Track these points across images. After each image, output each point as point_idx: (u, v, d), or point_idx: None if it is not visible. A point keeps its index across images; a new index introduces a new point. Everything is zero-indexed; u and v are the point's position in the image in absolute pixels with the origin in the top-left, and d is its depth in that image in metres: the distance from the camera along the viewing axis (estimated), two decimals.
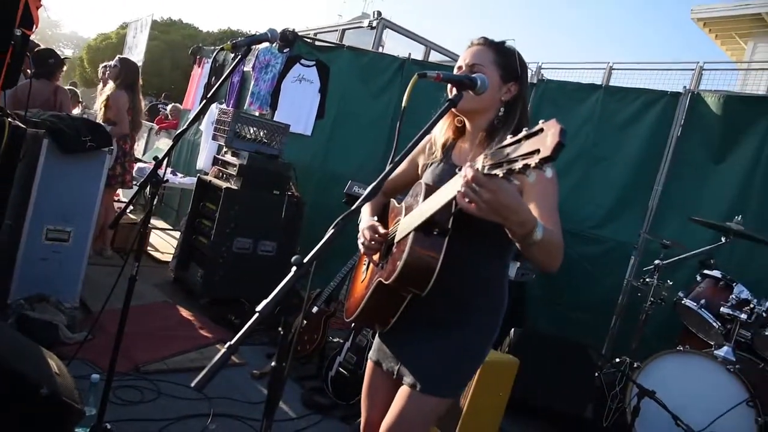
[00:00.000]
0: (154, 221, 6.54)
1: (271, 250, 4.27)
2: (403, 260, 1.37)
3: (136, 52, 8.83)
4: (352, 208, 1.19)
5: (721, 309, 2.96)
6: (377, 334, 1.73)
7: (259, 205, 4.14)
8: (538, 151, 0.92)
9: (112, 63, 4.78)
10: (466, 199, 1.11)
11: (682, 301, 3.16)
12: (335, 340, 3.85)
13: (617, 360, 3.53)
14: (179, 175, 5.61)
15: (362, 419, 1.75)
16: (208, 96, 1.88)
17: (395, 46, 6.37)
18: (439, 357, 1.52)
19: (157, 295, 4.15)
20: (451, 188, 1.19)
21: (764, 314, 2.89)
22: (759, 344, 2.94)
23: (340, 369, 3.05)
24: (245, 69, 6.09)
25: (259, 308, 1.06)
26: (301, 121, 5.35)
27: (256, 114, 5.22)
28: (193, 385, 1.02)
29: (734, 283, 3.05)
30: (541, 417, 3.21)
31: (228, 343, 1.04)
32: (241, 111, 4.33)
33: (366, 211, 1.74)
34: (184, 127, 1.93)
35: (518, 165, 0.96)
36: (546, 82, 5.01)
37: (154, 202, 2.09)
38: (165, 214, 6.91)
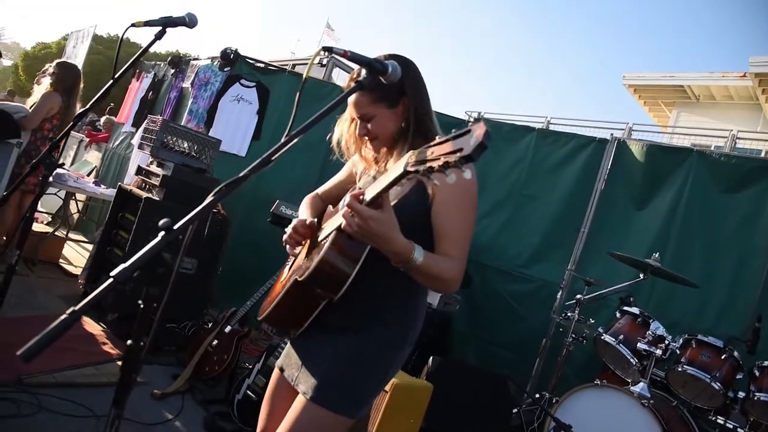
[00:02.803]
0: (72, 235, 6.16)
1: (191, 267, 4.04)
2: (319, 258, 1.28)
3: (75, 62, 8.49)
4: (241, 174, 1.09)
5: (638, 345, 2.98)
6: (290, 341, 1.61)
7: (181, 218, 3.92)
8: (461, 149, 0.93)
9: (50, 67, 4.51)
10: (344, 223, 1.20)
11: (602, 336, 3.17)
12: (248, 366, 3.64)
13: (537, 395, 3.48)
14: (102, 186, 5.31)
15: (258, 428, 1.60)
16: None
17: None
18: (333, 364, 1.41)
19: (61, 307, 3.81)
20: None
21: (678, 351, 2.92)
22: (672, 380, 2.95)
23: (248, 392, 2.85)
24: (184, 85, 5.93)
25: (114, 273, 0.93)
26: (236, 141, 5.21)
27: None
28: (20, 352, 0.88)
29: (651, 320, 3.08)
30: None
31: (71, 308, 0.90)
32: (171, 121, 4.16)
33: (303, 210, 1.69)
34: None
35: (438, 162, 0.96)
36: (482, 121, 5.11)
37: (44, 188, 1.91)
38: (86, 229, 6.51)
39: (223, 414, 2.91)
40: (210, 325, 3.53)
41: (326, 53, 1.30)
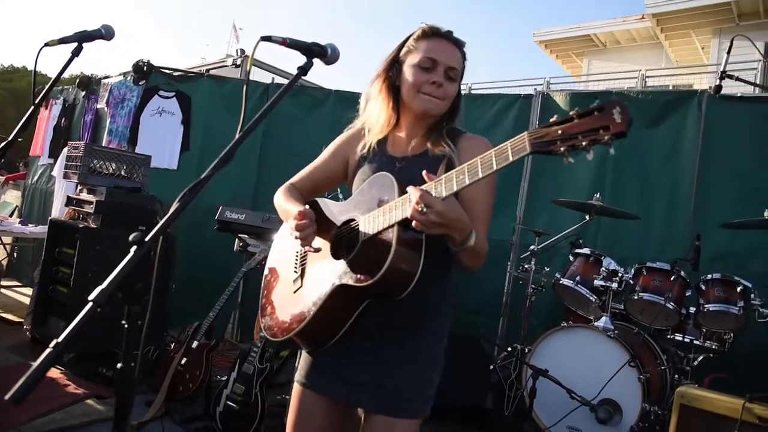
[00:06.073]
0: (5, 281, 5.80)
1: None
2: (391, 256, 1.21)
3: None
4: (202, 177, 1.07)
5: (595, 282, 3.13)
6: (307, 353, 1.50)
7: (123, 243, 3.76)
8: (607, 127, 0.97)
9: None
10: (415, 222, 1.17)
11: (560, 281, 3.30)
12: (222, 378, 3.57)
13: (509, 349, 3.59)
14: (30, 225, 5.03)
15: None
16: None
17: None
18: (403, 370, 1.38)
19: (10, 358, 3.62)
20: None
21: (631, 281, 3.09)
22: (631, 309, 3.13)
23: (228, 402, 2.80)
24: (98, 106, 5.66)
25: (92, 297, 0.90)
26: (165, 154, 5.02)
27: None
28: (8, 396, 0.83)
29: (602, 257, 3.24)
30: (443, 417, 3.16)
31: (54, 341, 0.87)
32: (95, 144, 3.98)
33: (285, 201, 1.55)
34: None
35: (584, 141, 1.00)
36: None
37: None
38: (20, 272, 6.14)
39: (206, 429, 2.86)
40: (173, 345, 3.43)
41: (267, 35, 1.27)
